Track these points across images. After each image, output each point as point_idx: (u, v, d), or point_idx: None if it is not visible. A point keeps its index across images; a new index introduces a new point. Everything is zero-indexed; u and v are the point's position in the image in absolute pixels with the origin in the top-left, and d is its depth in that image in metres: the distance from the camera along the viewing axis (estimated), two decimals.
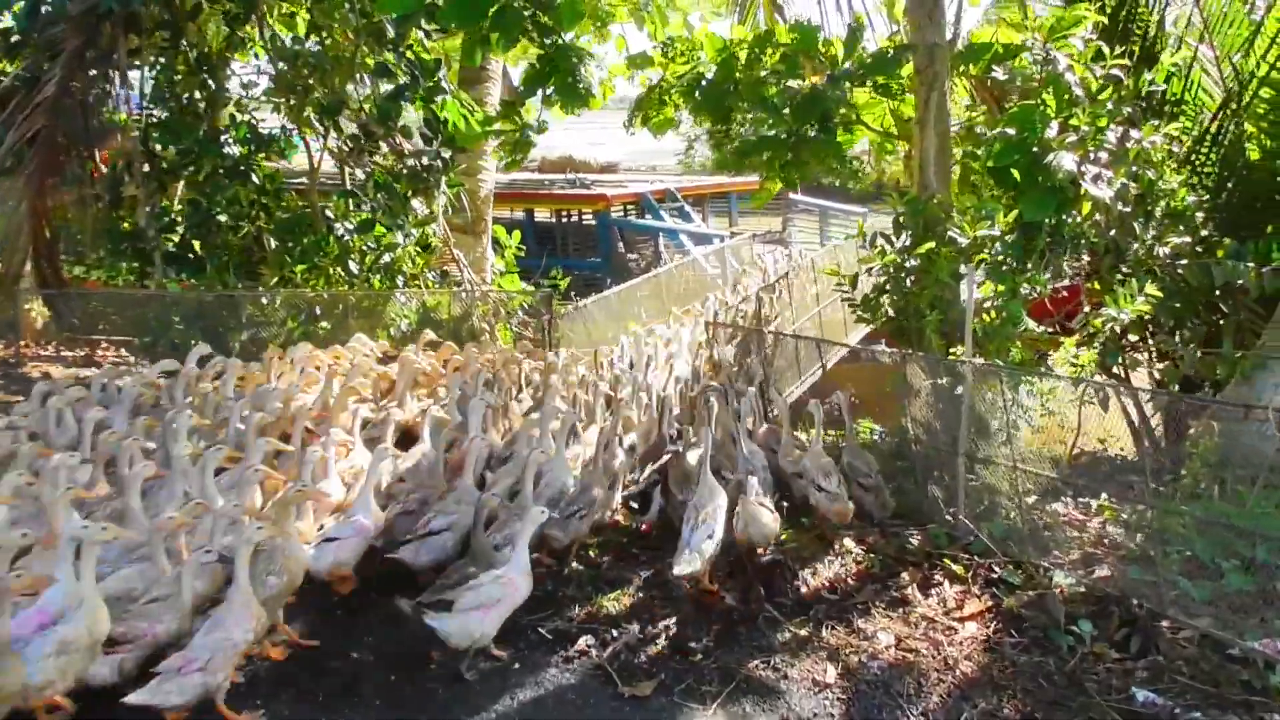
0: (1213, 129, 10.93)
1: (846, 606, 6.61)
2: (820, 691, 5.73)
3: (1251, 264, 9.84)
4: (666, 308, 16.19)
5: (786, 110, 9.27)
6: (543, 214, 25.32)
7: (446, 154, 11.80)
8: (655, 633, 6.29)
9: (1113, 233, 9.88)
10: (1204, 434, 8.90)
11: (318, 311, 12.16)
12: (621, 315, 14.83)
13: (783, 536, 7.32)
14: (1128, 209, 9.88)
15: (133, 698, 4.73)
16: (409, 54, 11.26)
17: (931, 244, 8.55)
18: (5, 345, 13.84)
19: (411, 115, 11.63)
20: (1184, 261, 10.15)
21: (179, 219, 12.53)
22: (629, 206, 25.30)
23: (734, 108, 9.48)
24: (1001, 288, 8.45)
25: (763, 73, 9.51)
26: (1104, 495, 7.87)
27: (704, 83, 9.95)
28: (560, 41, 8.88)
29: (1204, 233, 10.36)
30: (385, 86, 11.84)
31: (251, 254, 12.86)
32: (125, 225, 12.48)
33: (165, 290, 12.37)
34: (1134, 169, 9.80)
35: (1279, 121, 11.99)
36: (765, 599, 6.66)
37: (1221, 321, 10.52)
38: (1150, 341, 10.93)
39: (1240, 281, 9.68)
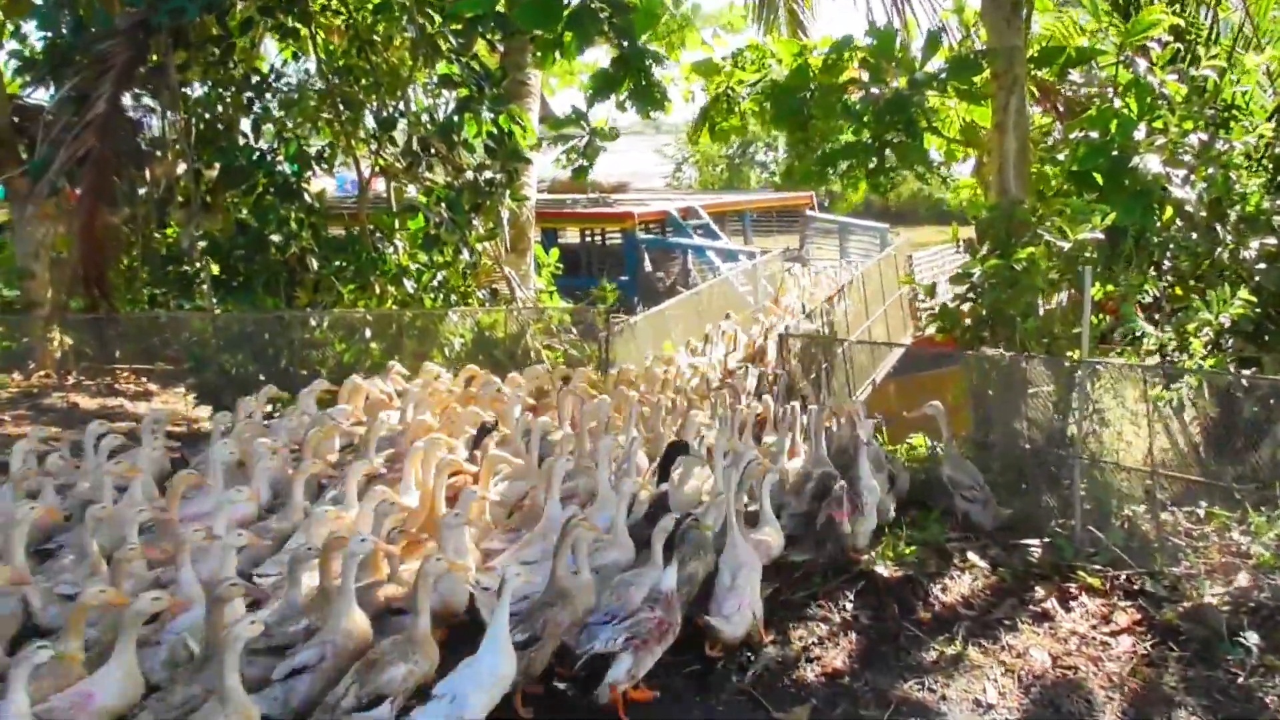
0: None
1: (989, 623, 6.32)
2: (985, 713, 5.43)
3: None
4: (703, 325, 16.00)
5: (867, 117, 9.05)
6: (568, 233, 25.10)
7: (512, 167, 11.57)
8: (793, 654, 5.98)
9: (1194, 236, 9.70)
10: None
11: (368, 333, 11.86)
12: (666, 332, 14.63)
13: (906, 552, 7.04)
14: (1204, 213, 9.72)
15: None
16: (473, 64, 11.03)
17: (1033, 249, 8.31)
18: (41, 374, 13.50)
19: (468, 126, 11.39)
20: (1262, 266, 9.99)
21: (223, 241, 12.22)
22: (654, 224, 25.13)
23: (814, 115, 9.24)
24: (1111, 288, 8.23)
25: (841, 79, 9.30)
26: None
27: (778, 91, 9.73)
28: (636, 44, 8.64)
29: None
30: (442, 99, 11.65)
31: (296, 275, 12.55)
32: (170, 248, 12.20)
33: (211, 314, 12.05)
34: (1211, 172, 9.64)
35: None
36: (900, 616, 6.38)
37: None
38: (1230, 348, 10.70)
39: None
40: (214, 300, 12.08)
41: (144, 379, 14.06)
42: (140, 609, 4.75)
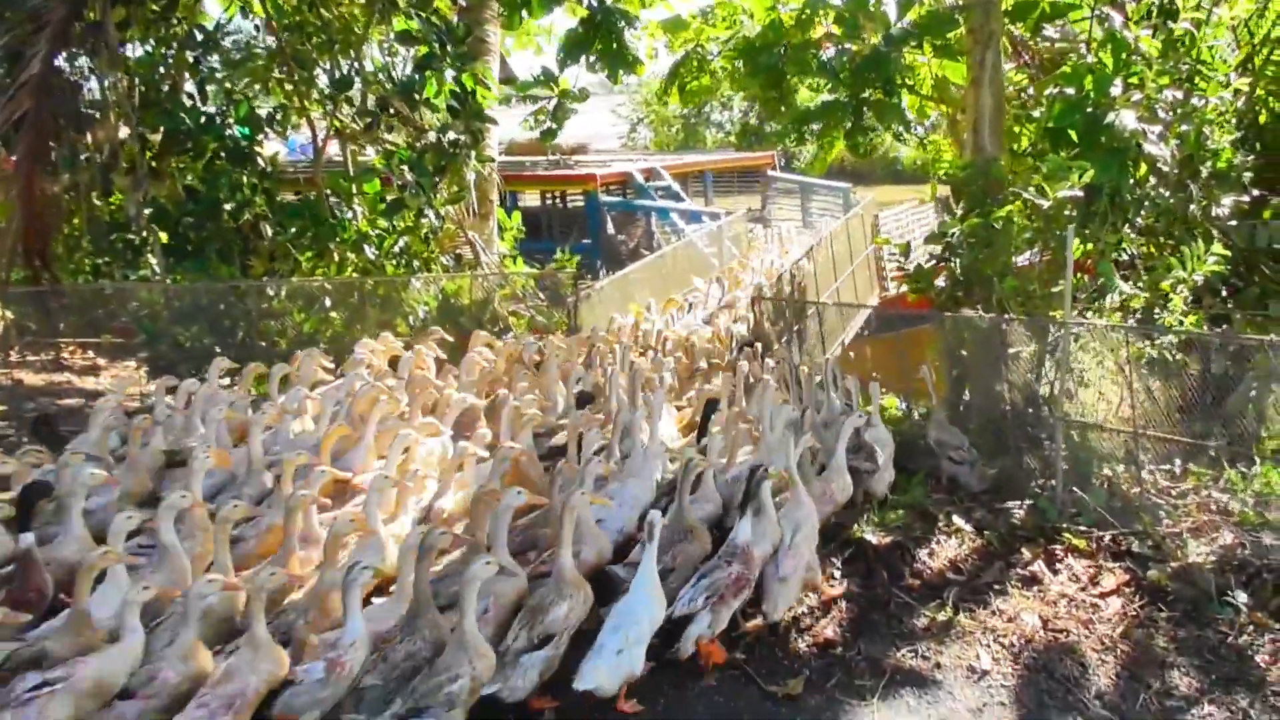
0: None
1: (978, 588, 6.26)
2: (980, 679, 5.36)
3: None
4: (670, 288, 15.81)
5: (844, 75, 8.83)
6: (527, 196, 24.66)
7: (476, 128, 11.17)
8: (783, 625, 5.85)
9: (1168, 194, 9.65)
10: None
11: (328, 303, 11.48)
12: (631, 296, 14.42)
13: (891, 517, 6.96)
14: (1176, 170, 9.67)
15: None
16: (434, 20, 10.57)
17: (1015, 206, 8.19)
18: None
19: (429, 85, 10.95)
20: (1233, 223, 10.00)
21: (172, 208, 11.71)
22: (616, 186, 24.76)
23: (789, 73, 9.00)
24: (1090, 247, 8.14)
25: (815, 34, 9.06)
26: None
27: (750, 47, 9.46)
28: (606, 4, 8.34)
29: (1255, 193, 10.20)
30: (400, 57, 11.20)
31: (250, 243, 12.09)
32: (115, 216, 11.68)
33: (162, 284, 11.57)
34: (1185, 128, 9.58)
35: None
36: (890, 583, 6.29)
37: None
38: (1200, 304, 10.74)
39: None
40: (163, 270, 11.60)
41: (90, 353, 13.56)
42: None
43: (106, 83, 11.03)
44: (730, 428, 7.32)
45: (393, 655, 4.59)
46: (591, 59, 8.55)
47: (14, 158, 10.52)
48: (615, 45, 8.38)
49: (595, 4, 8.23)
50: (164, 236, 11.95)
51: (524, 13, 8.18)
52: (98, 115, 11.14)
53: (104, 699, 4.25)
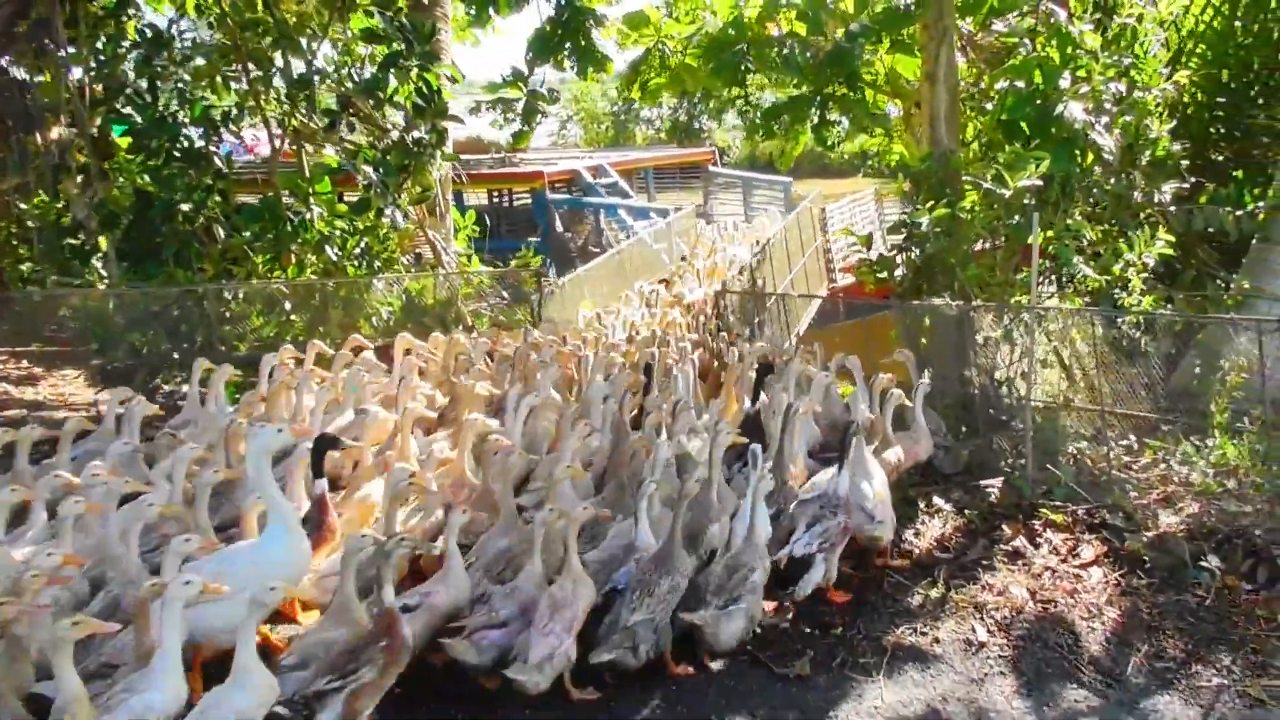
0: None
1: (965, 564, 6.49)
2: (978, 651, 5.58)
3: (1228, 209, 10.22)
4: (628, 284, 15.92)
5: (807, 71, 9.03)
6: (475, 194, 24.51)
7: (441, 126, 11.11)
8: (782, 608, 6.01)
9: (1113, 181, 10.05)
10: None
11: (288, 306, 11.34)
12: (592, 293, 14.51)
13: None
14: (1118, 159, 10.08)
15: None
16: (399, 18, 10.49)
17: (974, 196, 8.47)
18: None
19: (391, 84, 10.86)
20: (1172, 209, 10.45)
21: (122, 211, 11.42)
22: (563, 184, 24.75)
23: (758, 69, 9.17)
24: (1051, 234, 8.46)
25: (776, 31, 9.25)
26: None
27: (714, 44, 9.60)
28: (574, 3, 8.41)
29: (1190, 180, 10.68)
30: (360, 55, 11.04)
31: (204, 245, 11.87)
32: (65, 219, 11.38)
33: (102, 289, 11.30)
34: (1127, 119, 9.99)
35: (1212, 76, 12.55)
36: (878, 564, 6.49)
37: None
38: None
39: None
40: (114, 274, 11.32)
41: (25, 361, 13.16)
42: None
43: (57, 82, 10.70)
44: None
45: (657, 590, 5.18)
46: (561, 57, 8.57)
47: None
48: (584, 43, 8.43)
49: (564, 2, 8.26)
50: (103, 242, 11.63)
51: (491, 9, 8.16)
52: (46, 115, 10.82)
53: None
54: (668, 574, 5.22)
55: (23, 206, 11.66)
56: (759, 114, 9.38)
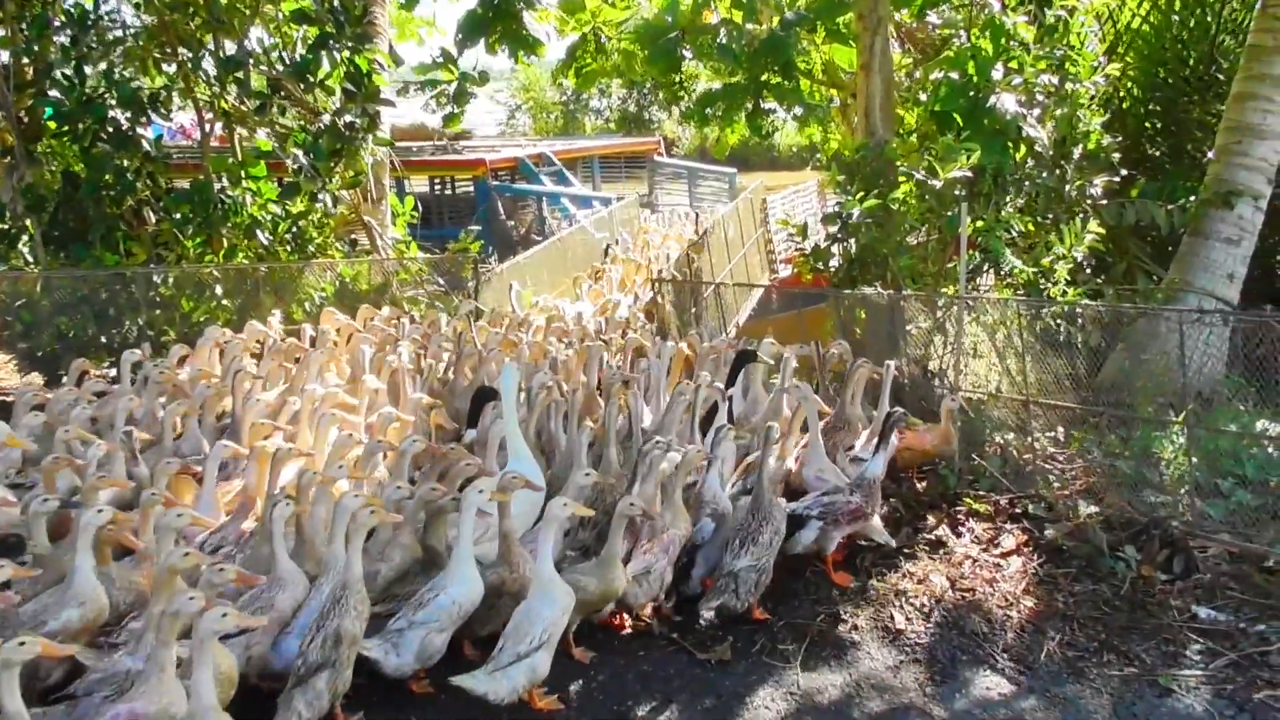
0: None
1: (888, 553, 6.52)
2: (895, 639, 5.61)
3: (1160, 203, 10.40)
4: (569, 272, 15.85)
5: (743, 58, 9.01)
6: (416, 181, 24.19)
7: (374, 110, 10.91)
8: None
9: (1045, 174, 10.16)
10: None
11: (219, 290, 11.09)
12: (532, 280, 14.40)
13: None
14: (1051, 151, 10.20)
15: None
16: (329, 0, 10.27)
17: (907, 187, 8.52)
18: None
19: (324, 68, 10.64)
20: (1104, 202, 10.60)
21: (49, 194, 11.10)
22: (505, 171, 24.54)
23: (694, 56, 9.14)
24: (981, 225, 8.53)
25: (714, 18, 9.21)
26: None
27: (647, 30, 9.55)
28: None
29: (1123, 173, 10.83)
30: (292, 37, 10.80)
31: (133, 229, 11.57)
32: None
33: (33, 273, 10.98)
34: (1060, 112, 10.11)
35: (1147, 70, 12.78)
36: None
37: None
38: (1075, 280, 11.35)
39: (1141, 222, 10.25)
40: (41, 258, 11.01)
41: None
42: None
43: None
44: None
45: (760, 537, 5.64)
46: (492, 40, 8.45)
47: None
48: (515, 26, 8.32)
49: None
50: (30, 226, 11.31)
51: None
52: None
53: None
54: (768, 522, 5.63)
55: None
56: (694, 101, 9.35)
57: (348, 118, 10.72)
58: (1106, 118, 10.90)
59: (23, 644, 3.71)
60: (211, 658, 3.88)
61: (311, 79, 10.75)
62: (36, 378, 10.47)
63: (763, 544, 5.60)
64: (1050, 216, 10.16)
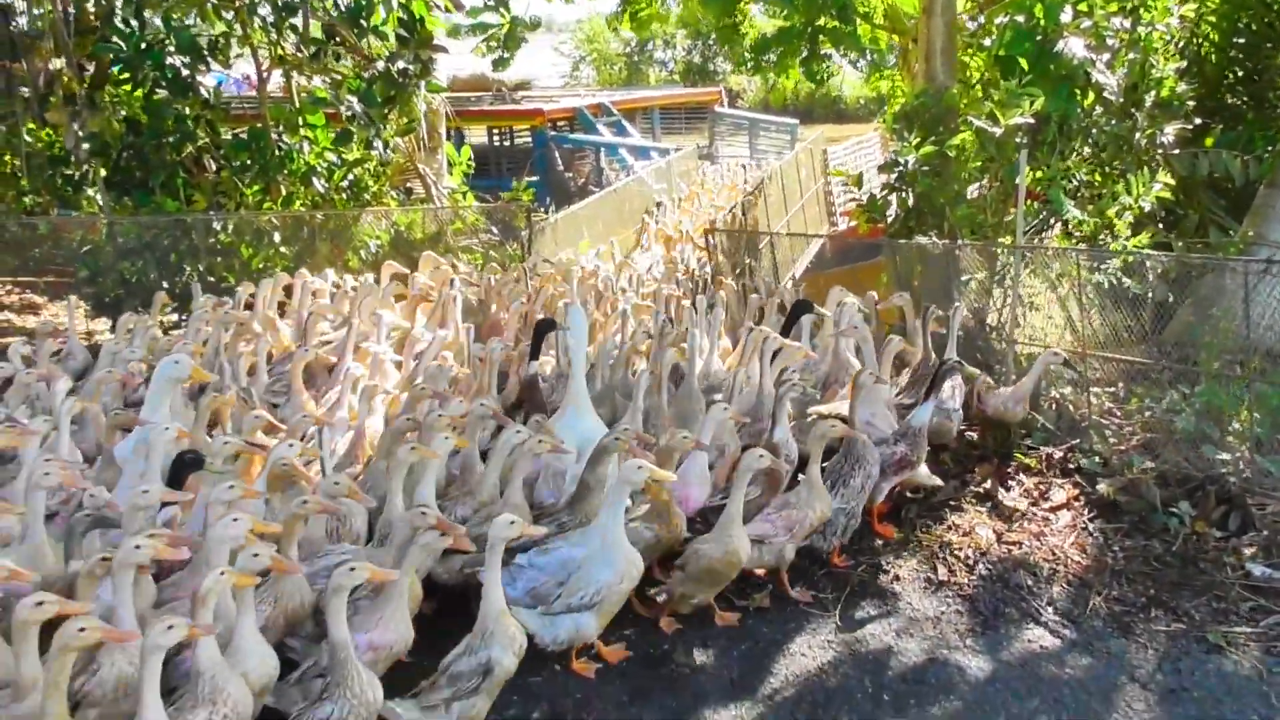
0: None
1: (933, 505, 6.44)
2: (937, 590, 5.55)
3: (1236, 153, 9.95)
4: (621, 223, 15.77)
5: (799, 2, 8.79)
6: (474, 132, 24.23)
7: (426, 56, 10.91)
8: None
9: (1114, 122, 9.79)
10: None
11: (276, 238, 11.26)
12: (582, 232, 14.36)
13: None
14: (1121, 98, 9.81)
15: None
16: None
17: (966, 135, 8.28)
18: None
19: (378, 12, 10.64)
20: (1175, 151, 10.18)
21: (112, 141, 11.32)
22: (564, 122, 24.44)
23: None
24: (1040, 175, 8.27)
25: None
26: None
27: None
28: None
29: (1196, 122, 10.39)
30: None
31: (193, 176, 11.77)
32: (58, 149, 11.28)
33: (102, 219, 11.24)
34: (1131, 57, 9.70)
35: (1228, 15, 12.16)
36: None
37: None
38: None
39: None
40: (106, 205, 11.26)
41: (27, 291, 13.20)
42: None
43: (40, 9, 10.53)
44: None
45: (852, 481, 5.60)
46: None
47: None
48: None
49: None
50: (104, 170, 11.58)
51: None
52: (31, 43, 10.66)
53: None
54: (860, 466, 5.57)
55: (13, 138, 11.54)
56: (748, 47, 9.16)
57: (401, 64, 10.72)
58: (1182, 64, 10.44)
59: (256, 555, 3.88)
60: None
61: (365, 24, 10.75)
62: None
63: (853, 488, 5.56)
64: (1118, 167, 9.82)
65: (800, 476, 5.48)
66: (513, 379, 7.33)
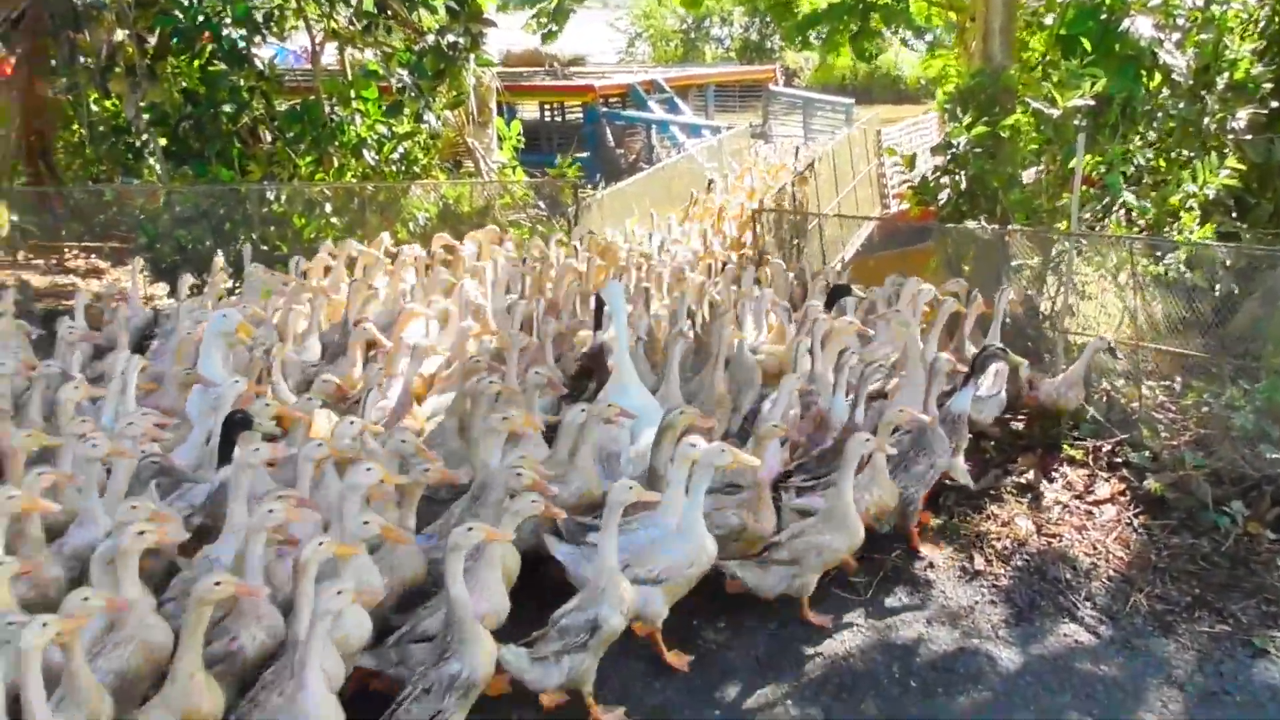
0: None
1: (972, 494, 6.31)
2: (972, 580, 5.46)
3: None
4: (673, 200, 15.66)
5: None
6: (526, 107, 24.23)
7: (476, 30, 10.93)
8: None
9: (1182, 105, 9.46)
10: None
11: (328, 208, 11.38)
12: (629, 208, 14.29)
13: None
14: (1191, 80, 9.46)
15: None
16: None
17: (1022, 116, 8.06)
18: None
19: None
20: (1249, 136, 9.81)
21: (171, 111, 11.52)
22: (616, 98, 24.35)
23: None
24: (1098, 160, 8.04)
25: None
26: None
27: None
28: None
29: (1273, 105, 9.99)
30: None
31: (248, 147, 11.94)
32: (121, 119, 11.52)
33: (163, 188, 11.45)
34: (1203, 37, 9.35)
35: None
36: None
37: None
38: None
39: None
40: (164, 174, 11.47)
41: (93, 255, 13.52)
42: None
43: None
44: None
45: (914, 467, 5.57)
46: None
47: (12, 59, 10.27)
48: None
49: None
50: (163, 140, 11.80)
51: None
52: (94, 15, 10.86)
53: None
54: (925, 453, 5.49)
55: (78, 108, 11.81)
56: (797, 23, 9.00)
57: (451, 37, 10.74)
58: (1260, 44, 10.03)
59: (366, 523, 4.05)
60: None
61: None
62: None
63: (914, 474, 5.47)
64: (1184, 152, 9.49)
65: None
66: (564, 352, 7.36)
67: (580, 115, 23.55)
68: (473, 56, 11.12)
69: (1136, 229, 8.96)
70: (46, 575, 4.15)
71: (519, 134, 15.03)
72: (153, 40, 11.69)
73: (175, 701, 3.47)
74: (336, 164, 11.78)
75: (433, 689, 3.67)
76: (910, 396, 6.42)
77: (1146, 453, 6.60)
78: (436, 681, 3.67)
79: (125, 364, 6.02)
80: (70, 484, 4.49)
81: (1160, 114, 9.09)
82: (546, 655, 4.07)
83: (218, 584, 3.51)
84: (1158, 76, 9.10)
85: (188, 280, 8.57)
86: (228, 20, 11.08)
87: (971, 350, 7.09)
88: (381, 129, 11.65)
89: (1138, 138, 9.15)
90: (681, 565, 4.44)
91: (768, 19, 43.59)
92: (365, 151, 11.15)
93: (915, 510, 5.56)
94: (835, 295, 7.67)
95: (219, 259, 9.12)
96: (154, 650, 3.73)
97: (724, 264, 10.27)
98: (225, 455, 4.89)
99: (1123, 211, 9.11)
